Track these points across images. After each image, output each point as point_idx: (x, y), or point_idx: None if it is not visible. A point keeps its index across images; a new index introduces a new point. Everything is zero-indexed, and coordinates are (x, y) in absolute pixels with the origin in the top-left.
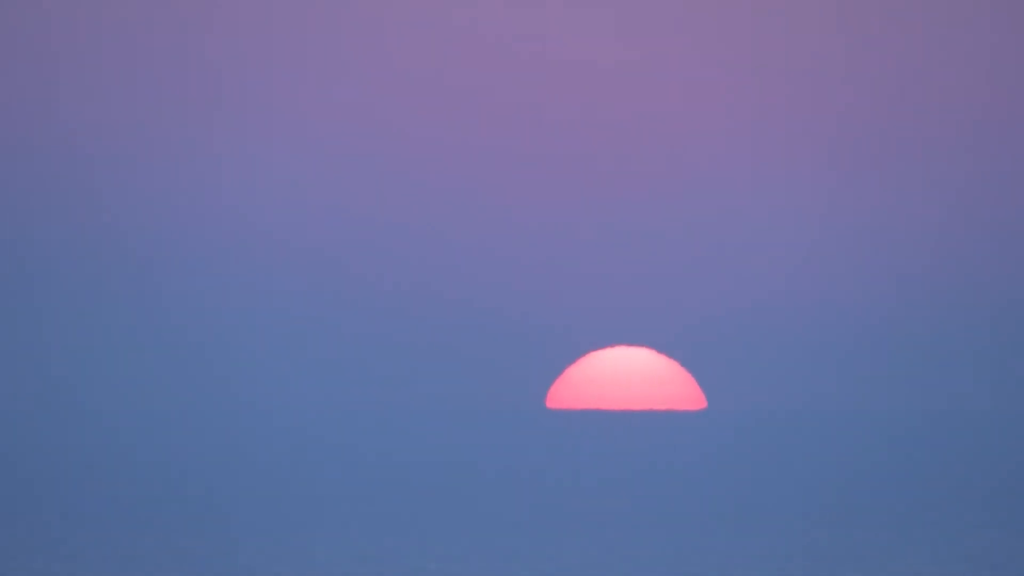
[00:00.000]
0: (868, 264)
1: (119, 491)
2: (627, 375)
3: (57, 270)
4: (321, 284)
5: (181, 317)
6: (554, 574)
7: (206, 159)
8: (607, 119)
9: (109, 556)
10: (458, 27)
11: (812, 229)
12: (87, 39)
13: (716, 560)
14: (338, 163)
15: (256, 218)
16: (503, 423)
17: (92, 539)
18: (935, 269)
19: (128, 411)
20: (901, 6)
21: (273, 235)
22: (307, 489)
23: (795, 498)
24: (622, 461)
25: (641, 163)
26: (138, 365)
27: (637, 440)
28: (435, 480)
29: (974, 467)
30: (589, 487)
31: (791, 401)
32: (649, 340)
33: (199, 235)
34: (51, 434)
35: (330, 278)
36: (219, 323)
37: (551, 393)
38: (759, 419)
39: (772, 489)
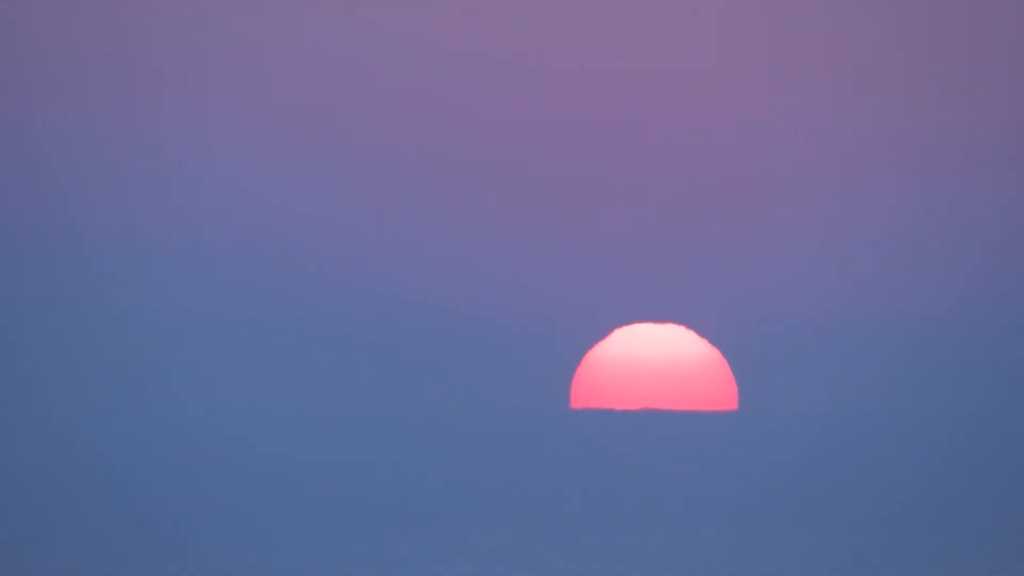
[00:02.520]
0: (925, 270)
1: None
2: (655, 366)
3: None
4: (330, 289)
5: (179, 322)
6: None
7: (207, 159)
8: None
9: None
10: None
11: (881, 233)
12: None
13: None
14: (344, 160)
15: (265, 220)
16: (528, 428)
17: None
18: (995, 275)
19: (132, 412)
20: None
21: (284, 235)
22: (323, 493)
23: (821, 507)
24: (648, 469)
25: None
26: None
27: (664, 446)
28: (460, 491)
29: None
30: (615, 494)
31: (824, 406)
32: (685, 322)
33: (211, 236)
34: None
35: (338, 281)
36: (231, 326)
37: (574, 389)
38: (793, 425)
39: (798, 497)
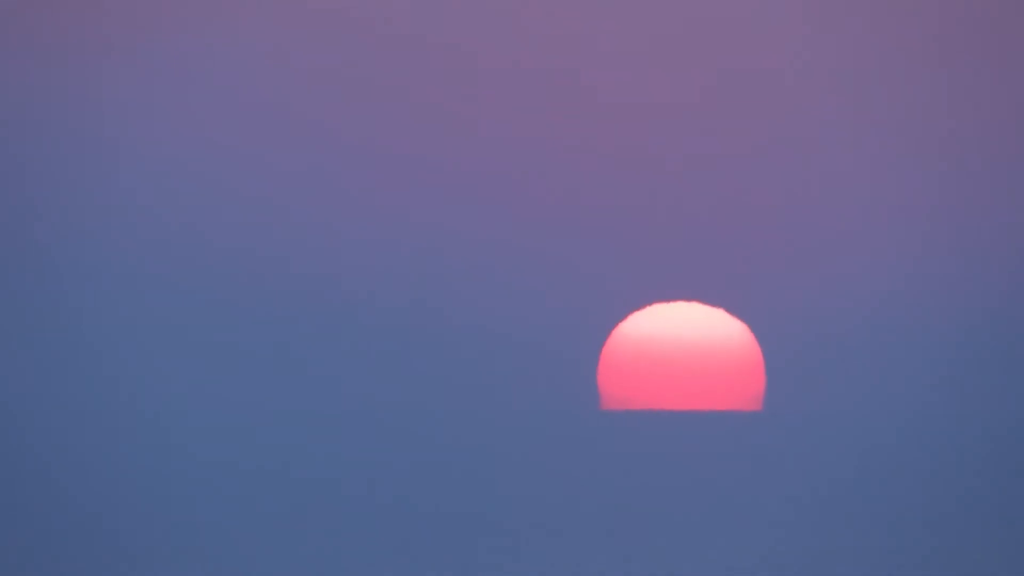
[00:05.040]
0: (977, 278)
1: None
2: (689, 358)
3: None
4: (346, 289)
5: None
6: None
7: (214, 159)
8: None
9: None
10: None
11: (940, 240)
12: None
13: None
14: (351, 157)
15: (282, 225)
16: (559, 430)
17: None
18: None
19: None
20: None
21: (298, 241)
22: (340, 499)
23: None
24: (680, 472)
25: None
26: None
27: (701, 447)
28: (492, 498)
29: None
30: (643, 497)
31: (850, 407)
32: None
33: (219, 238)
34: None
35: (355, 282)
36: (240, 330)
37: (602, 387)
38: (817, 429)
39: (826, 503)
